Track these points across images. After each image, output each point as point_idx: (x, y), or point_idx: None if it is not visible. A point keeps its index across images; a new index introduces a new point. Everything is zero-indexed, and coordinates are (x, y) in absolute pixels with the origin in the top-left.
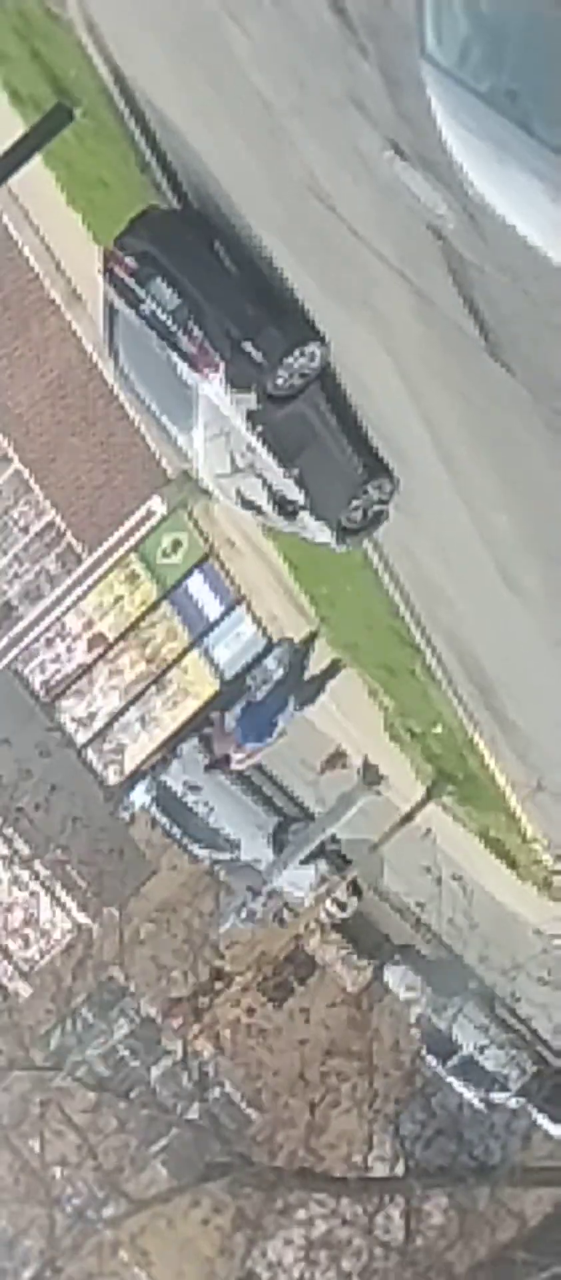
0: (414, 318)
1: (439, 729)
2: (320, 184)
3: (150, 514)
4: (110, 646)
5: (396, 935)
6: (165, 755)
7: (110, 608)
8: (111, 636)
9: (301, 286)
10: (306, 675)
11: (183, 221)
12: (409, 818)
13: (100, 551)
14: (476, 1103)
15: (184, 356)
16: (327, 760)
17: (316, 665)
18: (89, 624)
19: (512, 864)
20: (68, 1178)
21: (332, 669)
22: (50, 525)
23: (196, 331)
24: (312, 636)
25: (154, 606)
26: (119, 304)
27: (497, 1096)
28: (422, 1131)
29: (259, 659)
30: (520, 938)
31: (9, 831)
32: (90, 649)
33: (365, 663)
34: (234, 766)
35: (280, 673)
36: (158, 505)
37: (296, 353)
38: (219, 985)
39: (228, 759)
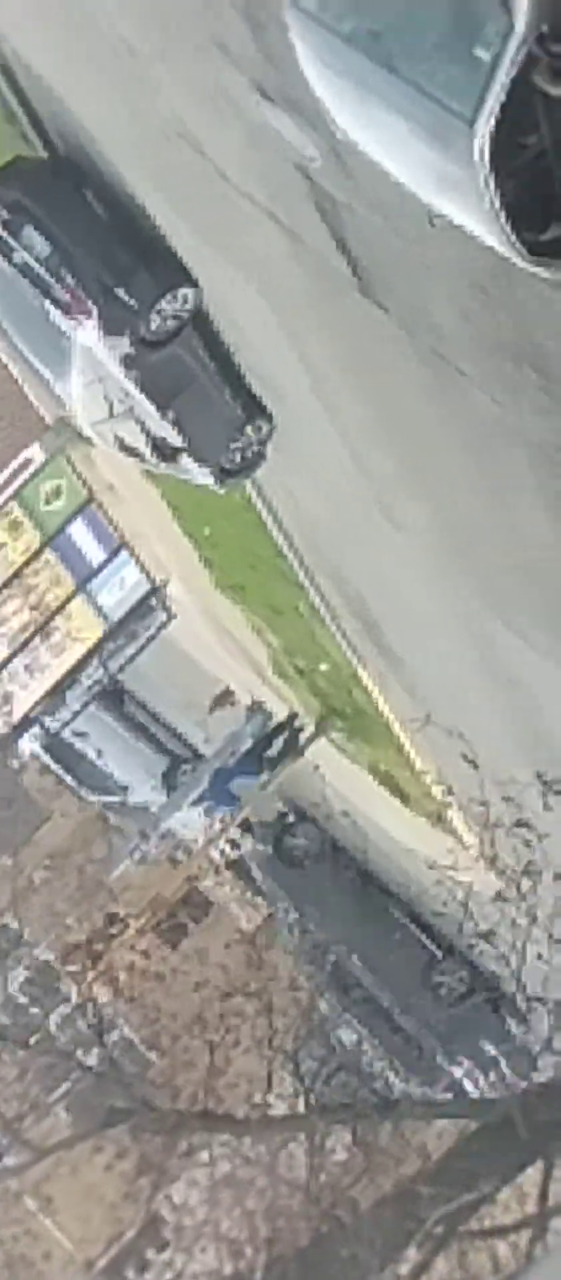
0: (286, 258)
1: (325, 666)
2: (187, 128)
3: (28, 462)
4: None
5: None
6: (53, 702)
7: None
8: None
9: (173, 231)
10: (273, 749)
11: (52, 170)
12: (298, 754)
13: None
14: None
15: (57, 304)
16: (215, 700)
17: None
18: None
19: (404, 798)
20: None
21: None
22: None
23: (69, 279)
24: (293, 717)
25: (37, 554)
26: None
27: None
28: (322, 1068)
29: (144, 601)
30: (414, 871)
31: None
32: None
33: (250, 602)
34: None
35: (249, 743)
36: (36, 453)
37: (169, 297)
38: (114, 929)
39: None
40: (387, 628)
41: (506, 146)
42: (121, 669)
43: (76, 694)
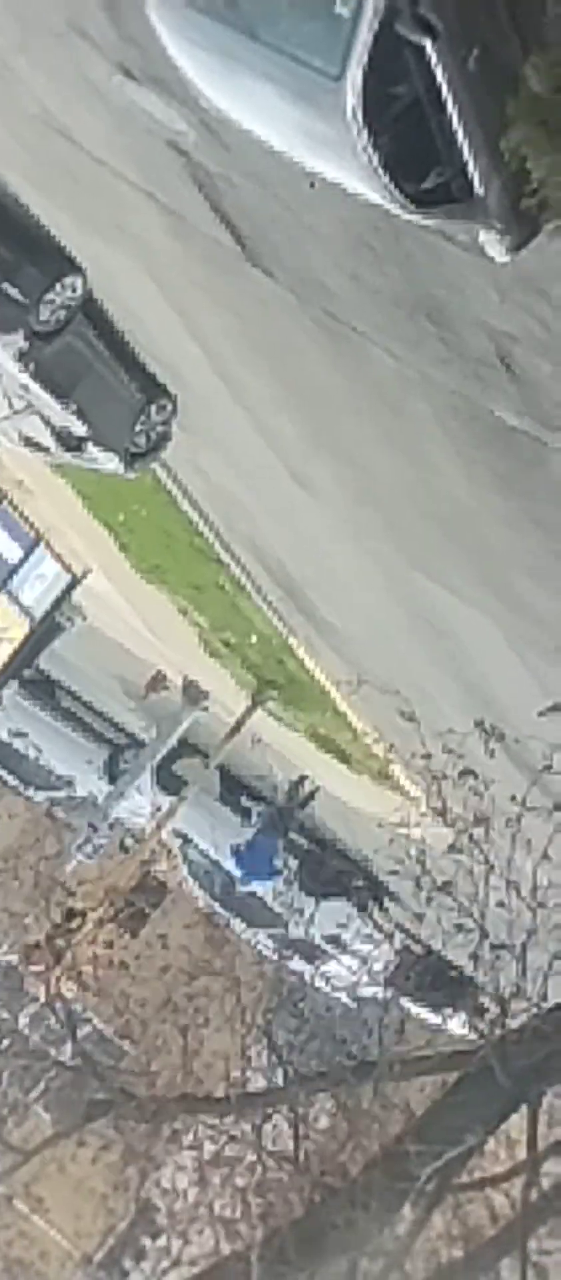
0: (168, 236)
1: (254, 638)
2: (55, 118)
3: None
4: None
5: None
6: None
7: None
8: None
9: (54, 221)
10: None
11: None
12: (237, 729)
13: None
14: (345, 1000)
15: None
16: (149, 684)
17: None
18: None
19: (346, 759)
20: None
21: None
22: None
23: None
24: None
25: None
26: None
27: (365, 991)
28: (296, 1037)
29: (65, 594)
30: (365, 832)
31: None
32: None
33: (172, 583)
34: None
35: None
36: None
37: (57, 287)
38: (73, 924)
39: None
40: (312, 593)
41: (376, 99)
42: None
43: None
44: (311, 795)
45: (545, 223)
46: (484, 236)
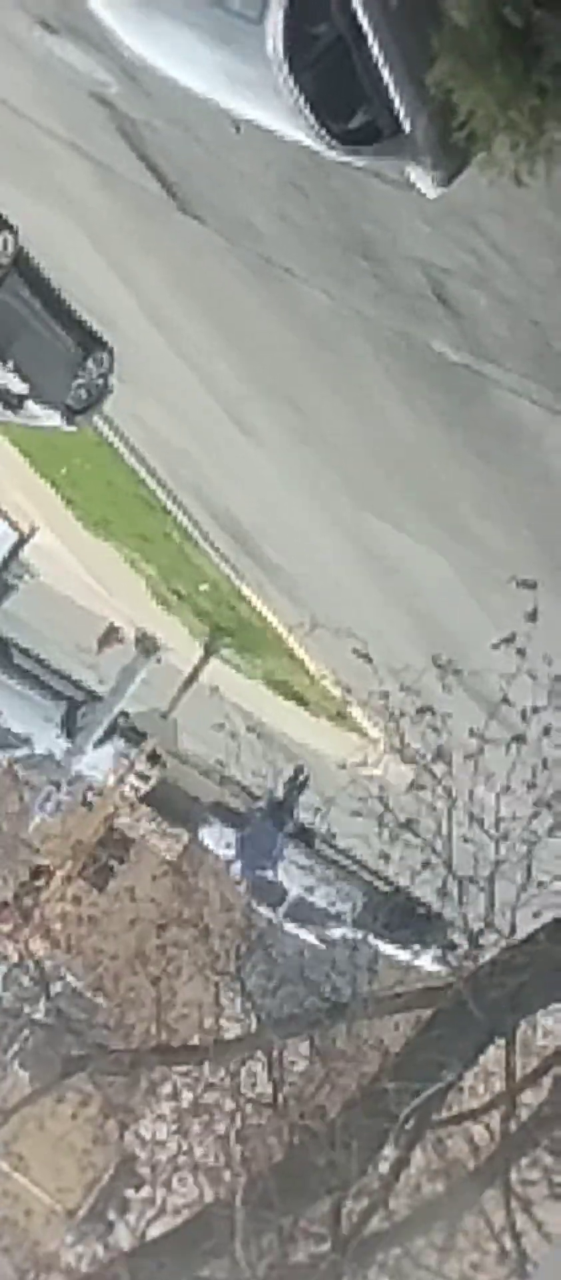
0: (97, 188)
1: (204, 586)
2: None
3: None
4: None
5: (205, 795)
6: None
7: None
8: None
9: None
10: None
11: None
12: (192, 678)
13: None
14: (314, 942)
15: None
16: (102, 638)
17: None
18: None
19: (304, 703)
20: None
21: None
22: None
23: None
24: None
25: None
26: None
27: (334, 932)
28: (268, 983)
29: (14, 553)
30: (326, 774)
31: None
32: None
33: (119, 535)
34: None
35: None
36: None
37: None
38: (40, 882)
39: None
40: (260, 538)
41: (298, 39)
42: None
43: None
44: (304, 782)
45: (473, 155)
46: (413, 172)
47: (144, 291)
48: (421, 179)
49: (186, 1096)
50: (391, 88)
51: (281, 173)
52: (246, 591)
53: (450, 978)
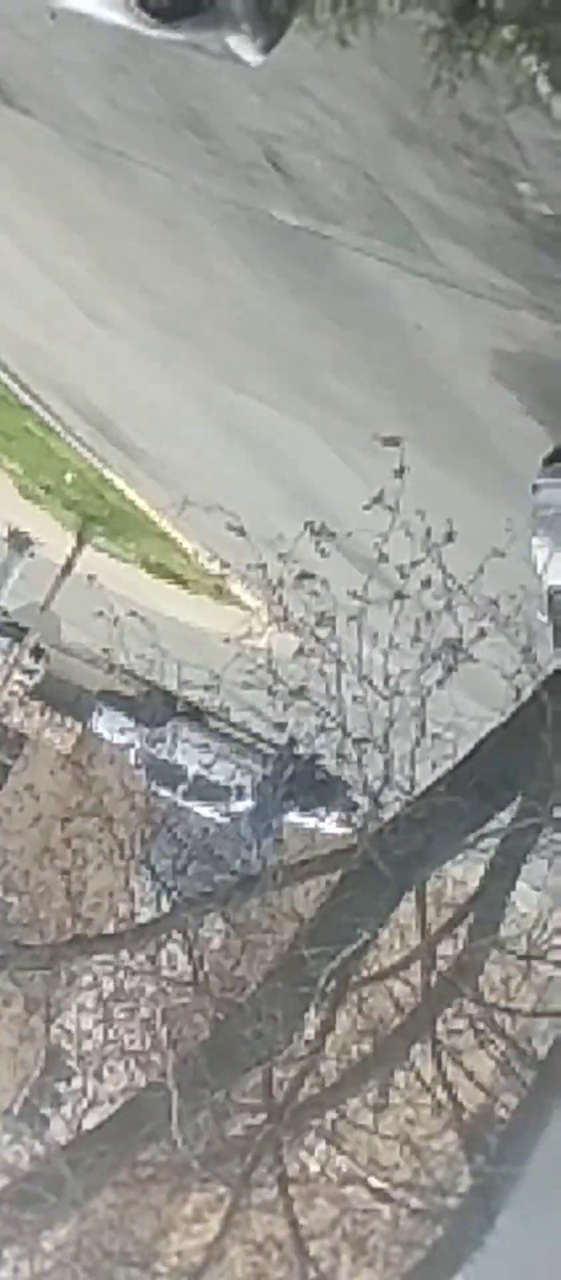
0: None
1: (70, 476)
2: None
3: None
4: None
5: (94, 684)
6: None
7: None
8: None
9: None
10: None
11: None
12: (67, 569)
13: None
14: (218, 819)
15: None
16: None
17: None
18: None
19: (182, 583)
20: None
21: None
22: None
23: None
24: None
25: None
26: None
27: (237, 807)
28: (176, 863)
29: None
30: (212, 650)
31: None
32: None
33: None
34: None
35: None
36: None
37: None
38: None
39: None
40: (122, 424)
41: None
42: None
43: None
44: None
45: (293, 18)
46: (233, 41)
47: None
48: (242, 47)
49: (107, 985)
50: None
51: (103, 56)
52: (112, 478)
53: (355, 839)
